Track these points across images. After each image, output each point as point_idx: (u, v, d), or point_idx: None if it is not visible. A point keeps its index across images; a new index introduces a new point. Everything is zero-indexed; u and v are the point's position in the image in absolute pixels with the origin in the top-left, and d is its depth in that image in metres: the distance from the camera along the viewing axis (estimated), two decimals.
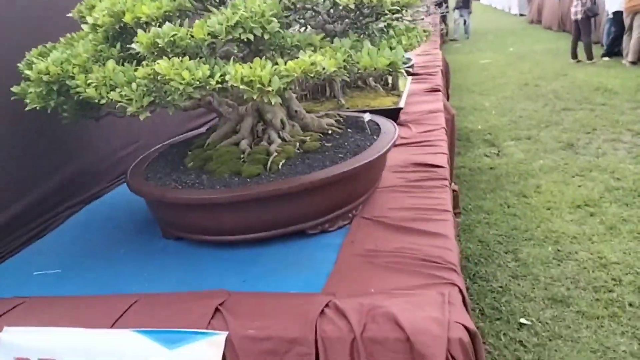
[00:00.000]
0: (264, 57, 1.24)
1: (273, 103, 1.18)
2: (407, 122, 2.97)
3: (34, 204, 1.88)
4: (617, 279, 2.89)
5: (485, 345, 2.48)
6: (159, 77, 1.18)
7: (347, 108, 3.03)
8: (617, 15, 9.08)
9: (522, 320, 2.63)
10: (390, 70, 1.35)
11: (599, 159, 4.75)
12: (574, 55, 9.75)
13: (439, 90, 3.78)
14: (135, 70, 1.28)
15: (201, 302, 1.32)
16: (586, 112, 6.33)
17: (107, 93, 1.27)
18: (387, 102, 3.08)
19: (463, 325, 1.13)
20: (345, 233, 1.67)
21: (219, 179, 1.62)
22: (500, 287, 2.94)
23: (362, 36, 1.48)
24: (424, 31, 1.89)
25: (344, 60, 1.29)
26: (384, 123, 2.10)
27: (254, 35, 1.24)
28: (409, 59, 4.83)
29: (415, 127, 2.85)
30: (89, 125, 2.11)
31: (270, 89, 1.18)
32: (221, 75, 1.20)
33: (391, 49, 1.38)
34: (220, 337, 1.18)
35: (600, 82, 7.82)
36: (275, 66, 1.20)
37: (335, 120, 2.10)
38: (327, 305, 1.24)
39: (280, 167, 1.64)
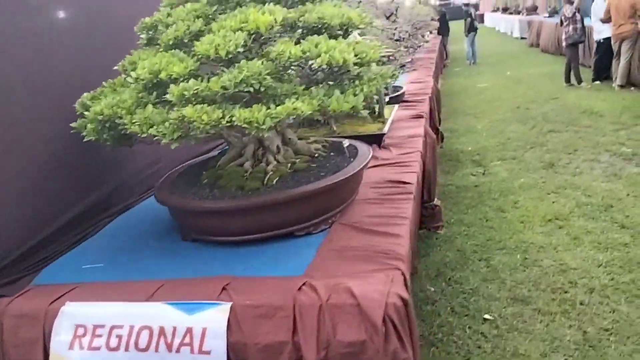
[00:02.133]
0: (261, 102, 1.72)
1: (266, 136, 1.65)
2: (389, 145, 3.44)
3: (81, 213, 2.36)
4: (573, 282, 3.32)
5: (452, 336, 2.92)
6: (185, 119, 1.67)
7: (338, 134, 3.51)
8: (607, 40, 9.56)
9: (486, 316, 3.06)
10: (353, 112, 1.82)
11: (575, 177, 5.19)
12: (567, 79, 10.22)
13: (422, 117, 4.25)
14: (168, 112, 1.76)
15: (212, 284, 1.78)
16: (571, 134, 6.78)
17: (147, 129, 1.75)
18: (373, 128, 3.56)
19: (398, 295, 1.58)
20: (326, 234, 2.13)
21: (227, 192, 2.09)
22: (471, 289, 3.37)
23: (336, 83, 1.97)
24: (392, 74, 2.39)
25: (319, 105, 1.77)
26: (362, 147, 2.57)
27: (253, 88, 1.72)
28: (400, 88, 5.34)
29: (396, 150, 3.32)
30: (122, 150, 2.59)
31: (264, 127, 1.66)
32: (230, 117, 1.68)
33: (355, 95, 1.86)
34: (226, 306, 1.64)
35: (588, 105, 8.27)
36: (268, 110, 1.68)
37: (322, 146, 2.57)
38: (304, 283, 1.70)
39: (274, 182, 2.11)
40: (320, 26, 1.97)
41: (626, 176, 5.04)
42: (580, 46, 10.60)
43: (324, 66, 1.80)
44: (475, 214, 4.52)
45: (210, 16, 2.04)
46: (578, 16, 9.81)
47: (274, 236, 2.08)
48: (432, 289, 3.41)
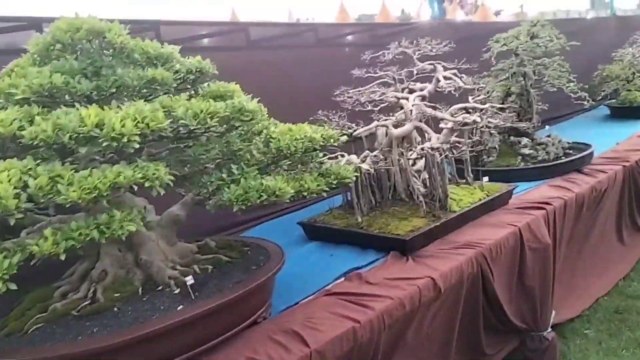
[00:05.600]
0: None
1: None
2: (418, 256, 2.46)
3: None
4: None
5: None
6: None
7: (362, 227, 2.68)
8: None
9: None
10: None
11: None
12: None
13: (542, 208, 2.95)
14: None
15: None
16: None
17: None
18: (408, 226, 2.60)
19: None
20: None
21: None
22: None
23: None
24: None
25: None
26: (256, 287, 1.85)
27: None
28: (587, 146, 3.88)
29: (413, 268, 2.37)
30: None
31: None
32: None
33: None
34: None
35: None
36: None
37: (214, 261, 1.97)
38: None
39: (22, 333, 1.65)
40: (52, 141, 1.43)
41: None
42: None
43: None
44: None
45: None
46: None
47: None
48: None
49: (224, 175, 1.79)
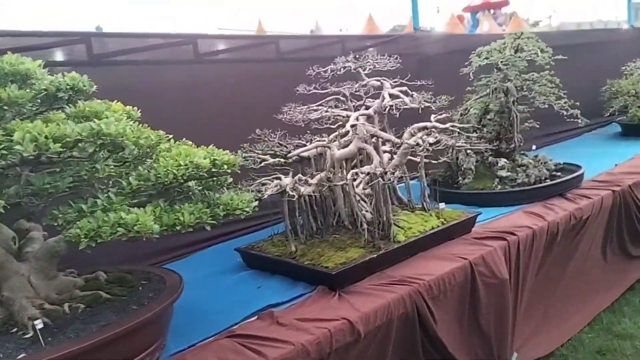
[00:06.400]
0: None
1: None
2: (347, 292, 2.21)
3: None
4: None
5: None
6: None
7: (294, 257, 2.44)
8: None
9: None
10: None
11: None
12: None
13: (504, 239, 2.65)
14: None
15: None
16: None
17: None
18: (342, 258, 2.35)
19: None
20: None
21: None
22: None
23: None
24: None
25: None
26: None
27: None
28: (578, 167, 3.58)
29: (334, 307, 2.13)
30: None
31: None
32: None
33: None
34: None
35: None
36: None
37: (92, 298, 1.77)
38: None
39: None
40: None
41: None
42: None
43: None
44: None
45: None
46: None
47: None
48: None
49: (84, 206, 1.60)
